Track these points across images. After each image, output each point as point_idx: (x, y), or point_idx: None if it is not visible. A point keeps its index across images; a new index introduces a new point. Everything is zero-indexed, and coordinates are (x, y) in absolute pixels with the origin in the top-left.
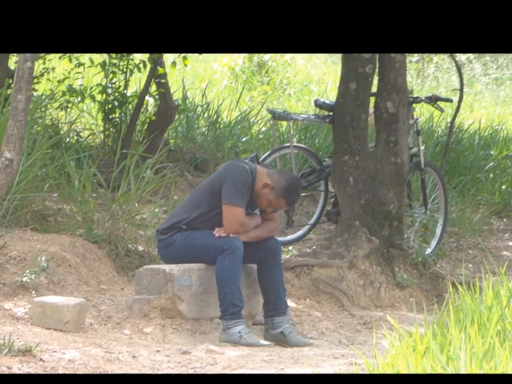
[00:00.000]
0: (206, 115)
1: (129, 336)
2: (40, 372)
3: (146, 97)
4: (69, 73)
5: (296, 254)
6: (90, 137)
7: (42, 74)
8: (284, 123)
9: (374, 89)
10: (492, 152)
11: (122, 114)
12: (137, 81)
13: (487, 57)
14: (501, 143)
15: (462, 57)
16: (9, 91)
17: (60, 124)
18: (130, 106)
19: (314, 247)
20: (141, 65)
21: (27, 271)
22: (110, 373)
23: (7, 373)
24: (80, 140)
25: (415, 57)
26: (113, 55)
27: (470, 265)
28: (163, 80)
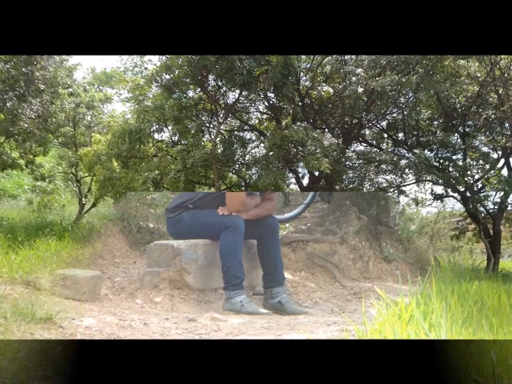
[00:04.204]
0: None
1: (141, 305)
2: (60, 337)
3: None
4: None
5: (293, 231)
6: None
7: None
8: None
9: None
10: None
11: None
12: None
13: None
14: None
15: None
16: None
17: None
18: None
19: (309, 224)
20: None
21: None
22: (123, 338)
23: (30, 338)
24: None
25: None
26: None
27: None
28: None
